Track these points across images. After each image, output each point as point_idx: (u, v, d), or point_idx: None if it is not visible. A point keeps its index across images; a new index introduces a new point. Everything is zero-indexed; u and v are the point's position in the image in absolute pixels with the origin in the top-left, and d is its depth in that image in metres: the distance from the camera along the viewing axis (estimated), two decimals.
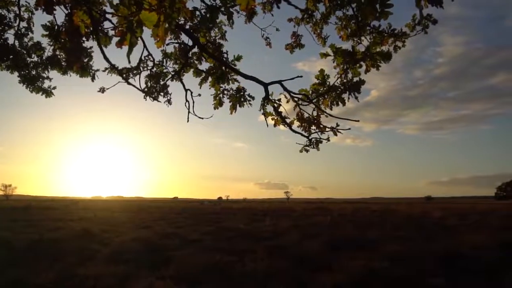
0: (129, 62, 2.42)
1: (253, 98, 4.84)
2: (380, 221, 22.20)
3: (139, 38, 2.67)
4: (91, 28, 2.73)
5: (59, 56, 4.16)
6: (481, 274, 7.68)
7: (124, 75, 4.47)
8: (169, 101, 5.07)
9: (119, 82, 4.13)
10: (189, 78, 5.04)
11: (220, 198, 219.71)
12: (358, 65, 3.88)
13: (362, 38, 4.06)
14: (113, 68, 3.94)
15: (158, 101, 4.76)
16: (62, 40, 3.71)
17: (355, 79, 3.90)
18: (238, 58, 4.79)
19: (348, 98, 4.00)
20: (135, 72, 4.62)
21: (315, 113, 4.38)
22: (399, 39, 4.18)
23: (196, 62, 4.92)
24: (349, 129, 4.23)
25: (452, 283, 6.74)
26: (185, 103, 4.95)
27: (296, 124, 4.54)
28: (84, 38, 2.87)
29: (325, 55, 3.94)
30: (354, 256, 8.52)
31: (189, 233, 14.81)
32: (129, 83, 3.96)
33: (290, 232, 14.65)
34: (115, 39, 2.30)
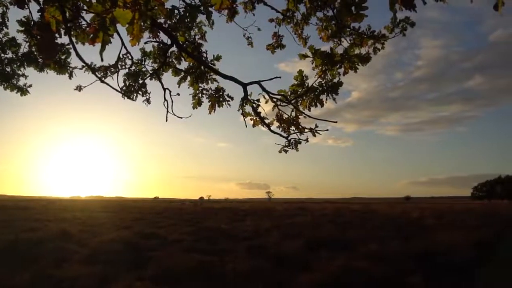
0: (102, 60, 2.38)
1: (232, 98, 4.82)
2: (360, 221, 22.49)
3: (116, 36, 2.63)
4: (65, 25, 2.68)
5: (35, 53, 4.05)
6: (457, 272, 7.86)
7: (102, 73, 4.39)
8: (148, 100, 5.00)
9: (96, 80, 4.05)
10: (168, 77, 5.00)
11: (201, 198, 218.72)
12: (336, 67, 3.91)
13: (342, 39, 4.11)
14: (88, 67, 3.85)
15: (131, 99, 4.69)
16: (38, 36, 3.62)
17: (334, 81, 3.93)
18: (218, 58, 4.76)
19: (326, 99, 4.03)
20: (113, 70, 4.54)
21: (293, 114, 4.39)
22: (378, 41, 4.24)
23: (175, 61, 4.87)
24: (327, 130, 4.28)
25: (429, 281, 6.86)
26: (164, 103, 4.90)
27: (276, 124, 4.55)
28: (57, 35, 2.80)
29: (304, 56, 3.96)
30: (334, 256, 8.59)
31: (170, 233, 14.68)
32: (102, 81, 3.87)
33: (271, 232, 14.68)
34: None
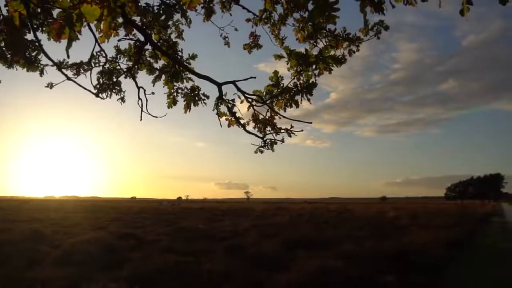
0: (68, 56, 2.31)
1: (207, 97, 4.77)
2: (337, 221, 22.76)
3: (89, 32, 2.56)
4: (29, 20, 2.59)
5: (3, 48, 3.90)
6: (429, 271, 8.04)
7: (74, 71, 4.28)
8: (122, 99, 4.91)
9: (68, 77, 3.93)
10: (143, 76, 4.92)
11: (179, 198, 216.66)
12: (311, 68, 3.93)
13: (318, 41, 4.14)
14: (54, 64, 3.73)
15: (102, 98, 4.58)
16: (5, 32, 3.49)
17: (309, 81, 3.95)
18: (193, 57, 4.71)
19: (301, 100, 4.04)
20: (86, 68, 4.44)
21: (268, 114, 4.38)
22: (353, 43, 4.29)
23: (150, 59, 4.79)
24: (302, 130, 4.30)
25: (402, 279, 6.99)
26: (138, 101, 4.81)
27: (252, 124, 4.54)
28: (26, 30, 2.71)
29: (279, 56, 3.97)
30: (310, 256, 8.64)
31: (146, 233, 14.50)
32: (69, 79, 3.76)
33: (249, 232, 14.68)
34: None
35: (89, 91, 4.04)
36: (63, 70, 3.97)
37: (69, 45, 2.09)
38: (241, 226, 17.47)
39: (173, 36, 4.93)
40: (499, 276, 8.04)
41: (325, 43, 4.16)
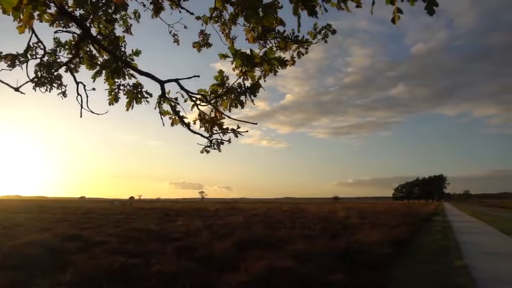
0: None
1: (150, 95, 4.66)
2: (290, 221, 23.12)
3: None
4: None
5: None
6: (375, 268, 8.36)
7: (9, 62, 4.00)
8: (63, 94, 4.67)
9: (2, 69, 3.69)
10: (86, 70, 4.68)
11: (132, 197, 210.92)
12: (256, 68, 3.95)
13: (268, 42, 4.16)
14: None
15: (41, 91, 4.34)
16: None
17: (254, 82, 3.96)
18: (137, 53, 4.58)
19: (245, 101, 4.04)
20: (22, 59, 4.17)
21: (213, 114, 4.35)
22: (302, 45, 4.36)
23: (90, 53, 4.58)
24: (247, 131, 4.31)
25: (349, 278, 7.20)
26: (77, 97, 4.59)
27: (199, 124, 4.47)
28: None
29: (224, 56, 3.95)
30: (262, 256, 8.70)
31: (94, 234, 13.98)
32: None
33: (202, 233, 14.57)
34: None
35: (9, 85, 3.78)
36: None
37: None
38: (193, 227, 17.31)
39: (120, 30, 4.78)
40: (436, 271, 8.49)
41: (274, 45, 4.19)
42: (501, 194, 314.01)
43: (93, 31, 4.29)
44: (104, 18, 4.19)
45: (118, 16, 4.57)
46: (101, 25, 4.31)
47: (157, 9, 4.50)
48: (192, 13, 4.33)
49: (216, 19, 4.34)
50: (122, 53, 4.52)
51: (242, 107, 4.01)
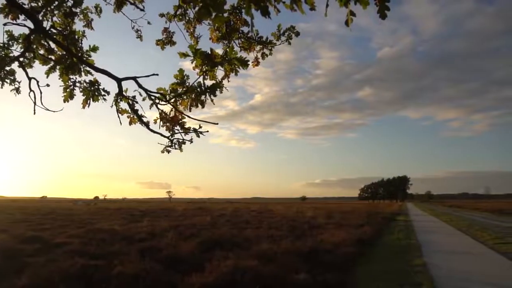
0: None
1: (108, 93, 4.53)
2: (257, 221, 23.20)
3: None
4: None
5: None
6: (339, 268, 8.51)
7: None
8: (17, 90, 4.46)
9: None
10: (41, 66, 4.48)
11: (96, 197, 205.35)
12: (216, 68, 3.92)
13: (232, 42, 4.13)
14: None
15: None
16: None
17: (213, 82, 3.93)
18: (94, 49, 4.43)
19: (205, 100, 4.00)
20: None
21: (173, 114, 4.28)
22: (266, 46, 4.37)
23: (40, 48, 4.38)
24: (207, 131, 4.28)
25: (313, 277, 7.30)
26: (30, 93, 4.39)
27: (161, 123, 4.37)
28: None
29: (184, 55, 3.90)
30: (227, 256, 8.68)
31: (55, 236, 13.53)
32: None
33: (167, 233, 14.36)
34: None
35: None
36: None
37: None
38: (159, 227, 17.05)
39: (81, 24, 4.62)
40: (397, 270, 8.75)
41: (238, 45, 4.18)
42: (461, 194, 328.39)
43: (49, 25, 4.13)
44: (57, 11, 4.04)
45: (78, 10, 4.43)
46: (55, 19, 4.15)
47: (119, 4, 4.38)
48: (142, 9, 4.23)
49: (180, 17, 4.27)
50: (78, 48, 4.37)
51: (203, 106, 3.97)
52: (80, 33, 4.42)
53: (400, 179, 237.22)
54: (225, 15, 4.06)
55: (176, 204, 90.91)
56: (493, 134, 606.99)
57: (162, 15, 4.40)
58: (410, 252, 11.67)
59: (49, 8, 3.95)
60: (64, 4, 3.97)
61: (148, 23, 4.80)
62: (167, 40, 4.58)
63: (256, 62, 4.36)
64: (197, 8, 3.31)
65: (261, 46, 4.31)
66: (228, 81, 4.04)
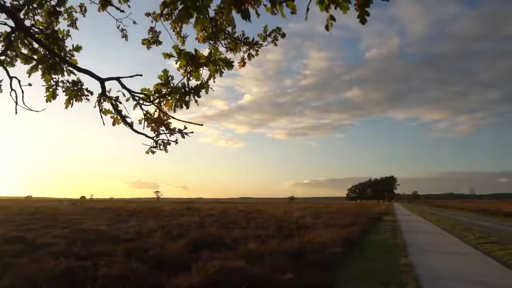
0: None
1: (91, 93, 4.47)
2: (245, 221, 23.19)
3: None
4: None
5: None
6: (325, 268, 8.55)
7: None
8: None
9: None
10: (23, 65, 4.39)
11: (83, 197, 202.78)
12: (200, 69, 3.90)
13: (218, 43, 4.12)
14: None
15: None
16: None
17: (197, 83, 3.90)
18: (77, 49, 4.36)
19: (190, 101, 3.97)
20: None
21: (157, 114, 4.24)
22: (252, 47, 4.37)
23: (21, 47, 4.29)
24: (192, 132, 4.25)
25: (299, 278, 7.32)
26: (11, 93, 4.31)
27: (146, 124, 4.33)
28: None
29: (168, 55, 3.87)
30: (214, 256, 8.65)
31: (39, 236, 13.32)
32: None
33: (154, 233, 14.26)
34: None
35: None
36: None
37: None
38: (146, 227, 16.93)
39: (65, 24, 4.55)
40: (383, 270, 8.83)
41: (224, 45, 4.16)
42: (446, 194, 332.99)
43: (31, 24, 4.04)
44: (40, 10, 3.97)
45: (62, 9, 4.35)
46: (37, 18, 4.08)
47: (105, 3, 4.33)
48: (122, 11, 4.20)
49: (167, 16, 4.24)
50: (61, 48, 4.30)
51: (187, 107, 3.93)
52: (63, 32, 4.35)
53: (387, 179, 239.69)
54: (212, 14, 4.05)
55: (164, 204, 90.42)
56: (477, 135, 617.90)
57: (148, 14, 4.36)
58: (396, 251, 11.79)
59: (31, 7, 3.88)
60: (47, 3, 3.89)
61: (134, 22, 4.76)
62: (153, 40, 4.54)
63: (243, 63, 4.36)
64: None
65: (248, 47, 4.31)
66: (214, 81, 4.02)
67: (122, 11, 4.32)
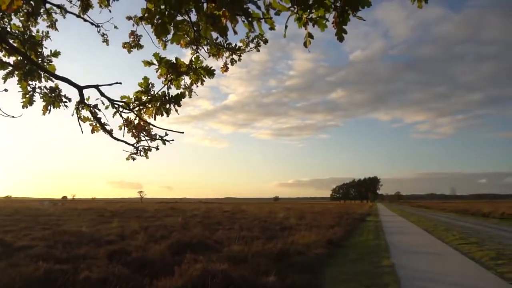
0: None
1: (69, 99, 4.38)
2: (229, 222, 23.13)
3: None
4: None
5: None
6: (308, 269, 8.59)
7: None
8: None
9: None
10: None
11: (65, 197, 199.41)
12: (181, 77, 3.87)
13: (200, 48, 4.08)
14: None
15: None
16: None
17: (178, 91, 3.87)
18: (55, 54, 4.26)
19: (170, 109, 3.94)
20: None
21: (137, 122, 4.19)
22: (235, 53, 4.36)
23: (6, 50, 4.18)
24: (173, 140, 4.22)
25: (283, 279, 7.33)
26: None
27: (126, 130, 4.27)
28: None
29: (149, 63, 3.82)
30: (197, 259, 8.60)
31: (18, 238, 13.04)
32: None
33: (137, 235, 14.11)
34: None
35: None
36: None
37: None
38: (129, 229, 16.72)
39: (44, 25, 4.44)
40: (365, 271, 8.92)
41: (206, 51, 4.13)
42: (428, 195, 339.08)
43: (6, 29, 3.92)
44: (17, 13, 3.85)
45: (42, 10, 4.25)
46: (13, 22, 3.98)
47: (85, 7, 4.24)
48: (85, 19, 4.08)
49: (148, 20, 4.17)
50: (38, 53, 4.19)
51: (168, 115, 3.90)
52: (41, 36, 4.25)
53: (370, 180, 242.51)
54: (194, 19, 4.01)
55: (147, 204, 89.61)
56: (458, 137, 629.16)
57: (129, 18, 4.29)
58: (379, 253, 11.91)
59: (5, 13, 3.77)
60: (23, 6, 3.79)
61: (115, 27, 4.69)
62: (134, 43, 4.47)
63: (225, 68, 4.34)
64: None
65: (230, 53, 4.29)
66: (197, 86, 3.99)
67: (98, 25, 4.23)
